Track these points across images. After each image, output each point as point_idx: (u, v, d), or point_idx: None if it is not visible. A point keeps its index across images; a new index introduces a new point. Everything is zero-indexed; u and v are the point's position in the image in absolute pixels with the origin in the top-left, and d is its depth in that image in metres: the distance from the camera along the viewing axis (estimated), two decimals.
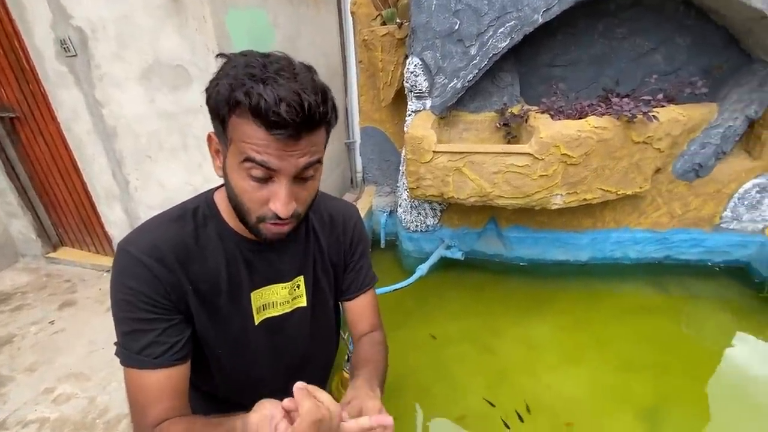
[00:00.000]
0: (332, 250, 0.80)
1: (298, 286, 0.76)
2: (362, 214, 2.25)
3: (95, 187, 2.02)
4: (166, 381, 0.60)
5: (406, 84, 1.81)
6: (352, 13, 2.08)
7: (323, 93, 0.53)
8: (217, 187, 0.70)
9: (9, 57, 1.86)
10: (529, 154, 1.47)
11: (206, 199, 0.69)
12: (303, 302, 0.77)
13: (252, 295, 0.70)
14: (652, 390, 1.44)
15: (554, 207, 1.58)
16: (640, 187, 1.66)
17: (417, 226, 2.10)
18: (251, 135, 0.52)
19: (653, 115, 1.48)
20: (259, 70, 0.50)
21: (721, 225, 1.94)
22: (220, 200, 0.68)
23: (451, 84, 1.74)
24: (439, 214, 2.07)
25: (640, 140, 1.55)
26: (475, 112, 1.91)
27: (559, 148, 1.45)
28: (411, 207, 2.07)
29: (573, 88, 1.90)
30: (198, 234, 0.65)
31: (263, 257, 0.70)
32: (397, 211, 2.20)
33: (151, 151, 1.80)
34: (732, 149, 1.83)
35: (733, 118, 1.74)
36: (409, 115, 1.87)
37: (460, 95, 1.77)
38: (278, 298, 0.73)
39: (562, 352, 1.62)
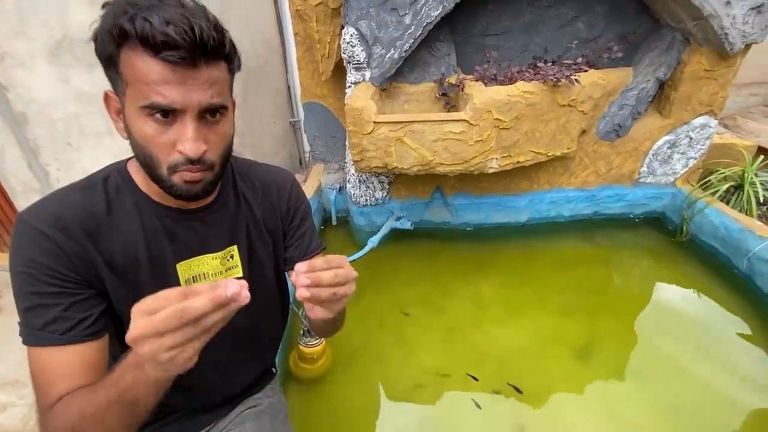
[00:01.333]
0: (268, 218, 0.78)
1: (232, 257, 0.73)
2: (311, 192, 2.23)
3: (9, 182, 1.84)
4: (77, 357, 0.55)
5: (343, 55, 1.79)
6: None
7: (216, 23, 0.53)
8: (131, 157, 0.65)
9: None
10: (464, 120, 1.52)
11: (118, 168, 0.65)
12: (239, 273, 0.74)
13: (178, 267, 0.67)
14: (584, 331, 1.60)
15: (491, 171, 1.67)
16: (568, 148, 1.79)
17: (366, 200, 2.13)
18: (146, 71, 0.50)
19: (575, 79, 1.58)
20: (145, 11, 0.49)
21: (640, 180, 2.14)
22: (135, 169, 0.65)
23: (389, 54, 1.74)
24: (387, 187, 2.11)
25: (565, 103, 1.65)
26: (415, 83, 1.94)
27: (492, 113, 1.52)
28: (359, 182, 2.09)
29: (506, 56, 1.97)
30: (110, 204, 0.61)
31: (187, 226, 0.67)
32: (346, 187, 2.21)
33: (71, 138, 1.66)
34: (646, 109, 2.01)
35: (646, 80, 1.90)
36: (349, 87, 1.85)
37: (398, 66, 1.78)
38: (209, 269, 0.70)
39: (506, 307, 1.75)
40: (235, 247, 0.73)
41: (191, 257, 0.68)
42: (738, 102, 3.47)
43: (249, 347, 0.83)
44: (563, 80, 1.57)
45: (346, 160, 2.17)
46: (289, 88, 2.90)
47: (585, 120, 1.79)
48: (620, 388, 1.38)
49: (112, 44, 0.51)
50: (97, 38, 0.52)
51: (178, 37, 0.48)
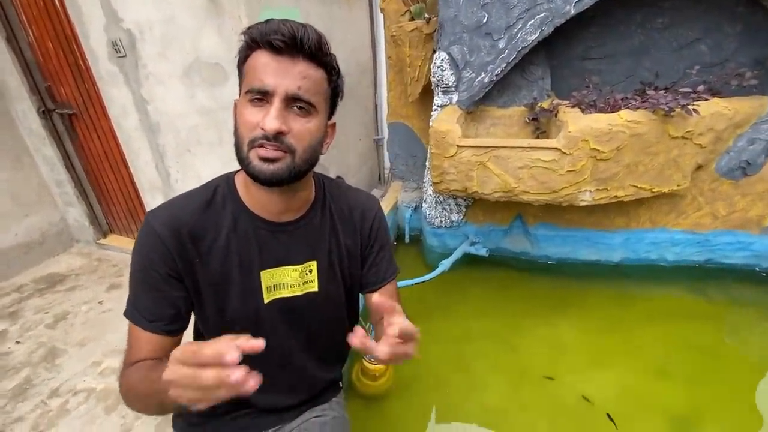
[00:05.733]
0: (349, 241, 0.81)
1: (310, 271, 0.77)
2: (387, 209, 2.27)
3: (140, 179, 2.17)
4: (154, 343, 0.67)
5: (432, 79, 1.82)
6: (382, 10, 2.10)
7: (321, 36, 0.62)
8: (239, 169, 0.73)
9: (68, 58, 2.04)
10: (556, 148, 1.43)
11: (227, 179, 0.74)
12: (314, 287, 0.78)
13: (262, 274, 0.73)
14: (685, 399, 1.37)
15: (582, 204, 1.53)
16: (678, 185, 1.58)
17: (441, 221, 2.10)
18: (257, 62, 0.60)
19: (693, 109, 1.40)
20: (270, 20, 0.61)
21: None
22: (240, 181, 0.73)
23: (479, 78, 1.72)
24: (464, 210, 2.06)
25: (679, 135, 1.47)
26: (503, 107, 1.89)
27: (588, 143, 1.41)
28: (436, 202, 2.07)
29: (608, 81, 1.83)
30: (215, 211, 0.70)
31: (276, 238, 0.73)
32: (422, 206, 2.21)
33: (190, 145, 1.91)
34: None
35: None
36: (435, 109, 1.87)
37: (487, 89, 1.76)
38: (289, 280, 0.75)
39: (589, 355, 1.58)
40: (314, 263, 0.77)
41: (275, 267, 0.74)
42: None
43: (316, 353, 0.86)
44: (678, 110, 1.40)
45: (424, 180, 2.18)
46: (376, 107, 3.02)
47: (702, 154, 1.57)
48: None
49: (243, 51, 0.63)
50: (239, 52, 0.64)
51: (285, 30, 0.59)
